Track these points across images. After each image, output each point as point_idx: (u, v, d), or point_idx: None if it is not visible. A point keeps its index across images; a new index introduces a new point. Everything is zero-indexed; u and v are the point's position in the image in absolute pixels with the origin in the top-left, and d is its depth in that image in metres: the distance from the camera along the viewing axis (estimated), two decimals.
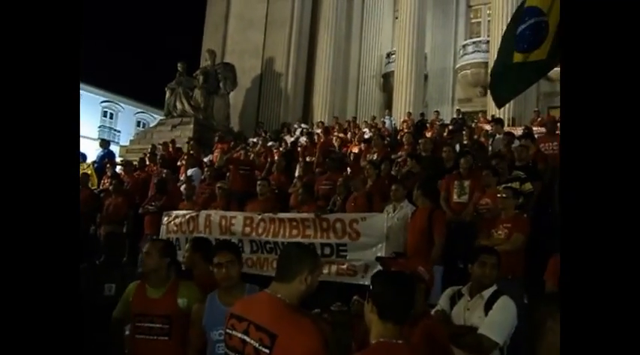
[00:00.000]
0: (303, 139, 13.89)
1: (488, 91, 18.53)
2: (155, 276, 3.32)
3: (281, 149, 12.48)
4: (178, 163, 11.32)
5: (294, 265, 2.18)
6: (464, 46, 22.45)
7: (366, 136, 12.47)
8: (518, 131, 11.01)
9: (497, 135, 8.98)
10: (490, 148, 8.91)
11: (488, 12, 21.80)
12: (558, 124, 11.06)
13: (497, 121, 10.13)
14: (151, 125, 24.48)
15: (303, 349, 1.96)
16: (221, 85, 18.96)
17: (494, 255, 3.38)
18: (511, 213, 5.14)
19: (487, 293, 3.21)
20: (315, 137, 13.59)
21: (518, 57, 5.27)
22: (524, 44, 5.23)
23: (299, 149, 12.08)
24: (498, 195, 5.34)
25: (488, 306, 3.14)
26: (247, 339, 2.09)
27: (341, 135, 13.99)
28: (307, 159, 10.42)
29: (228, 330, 2.22)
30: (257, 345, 2.04)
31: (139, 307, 3.26)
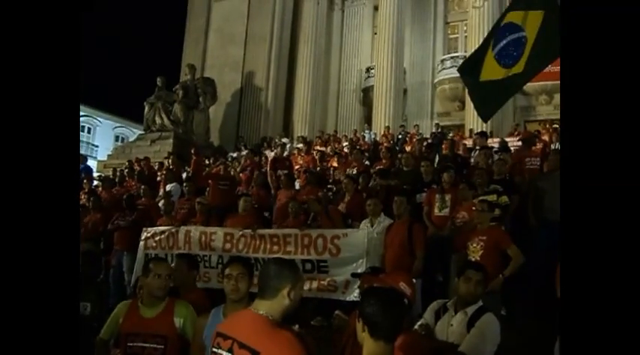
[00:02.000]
0: (269, 152, 13.80)
1: (466, 105, 18.91)
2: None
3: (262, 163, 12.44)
4: (158, 178, 11.21)
5: (275, 281, 2.17)
6: (442, 61, 22.80)
7: (346, 150, 12.51)
8: (495, 143, 11.19)
9: (478, 149, 9.09)
10: (472, 161, 8.99)
11: (465, 28, 22.24)
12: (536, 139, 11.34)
13: (482, 135, 10.26)
14: (130, 140, 24.24)
15: None
16: (201, 99, 18.90)
17: (481, 271, 3.36)
18: (486, 225, 5.17)
19: (471, 309, 3.17)
20: (296, 151, 13.60)
21: (502, 72, 5.40)
22: (510, 60, 5.37)
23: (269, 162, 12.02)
24: (474, 208, 5.38)
25: (471, 323, 3.10)
26: None
27: (321, 148, 14.03)
28: (278, 172, 10.39)
29: (214, 349, 2.21)
30: None
31: (131, 326, 3.17)
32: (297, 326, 3.69)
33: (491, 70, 5.45)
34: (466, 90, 17.85)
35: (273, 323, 2.10)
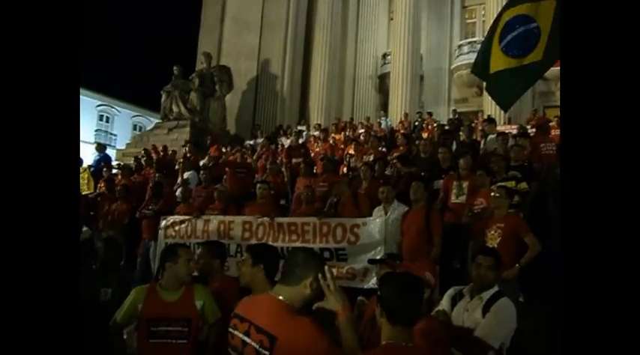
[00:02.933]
0: (285, 140, 13.79)
1: (484, 91, 18.67)
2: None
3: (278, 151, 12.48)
4: (176, 167, 11.31)
5: (300, 269, 2.17)
6: (459, 47, 22.51)
7: (362, 138, 12.48)
8: (513, 130, 11.05)
9: (490, 135, 8.99)
10: (482, 147, 8.91)
11: (482, 12, 21.90)
12: (551, 124, 11.20)
13: (490, 121, 10.14)
14: (148, 128, 24.44)
15: (303, 351, 1.95)
16: (217, 87, 18.93)
17: (491, 256, 3.35)
18: (504, 212, 5.12)
19: (487, 294, 3.18)
20: (312, 139, 13.60)
21: (512, 62, 5.39)
22: (520, 51, 5.36)
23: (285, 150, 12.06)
24: (492, 194, 5.33)
25: (486, 308, 3.10)
26: (248, 340, 2.09)
27: (337, 136, 14.01)
28: (293, 160, 10.41)
29: (230, 329, 2.22)
30: (257, 347, 2.04)
31: (153, 311, 3.22)
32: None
33: (500, 62, 5.45)
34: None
35: (291, 310, 2.10)
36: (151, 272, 7.41)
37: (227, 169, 9.35)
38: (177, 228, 7.18)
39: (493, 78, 5.64)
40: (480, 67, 5.81)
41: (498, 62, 5.47)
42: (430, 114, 17.87)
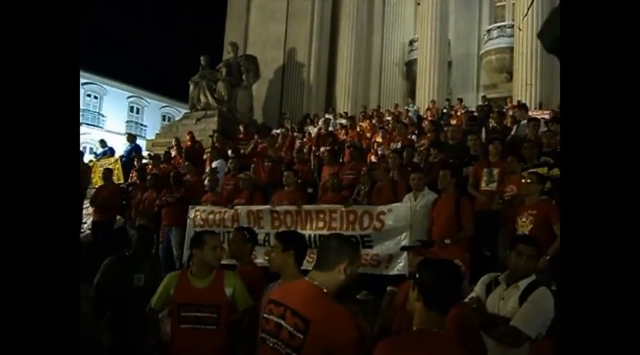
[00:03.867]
0: (313, 129, 13.77)
1: (514, 76, 18.28)
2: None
3: (304, 140, 12.50)
4: (204, 156, 11.43)
5: (334, 255, 2.21)
6: (488, 31, 22.08)
7: (389, 125, 12.39)
8: (545, 115, 10.81)
9: (522, 121, 8.81)
10: (512, 133, 8.74)
11: None
12: None
13: (522, 107, 9.94)
14: (176, 119, 24.77)
15: (336, 336, 1.99)
16: (244, 77, 19.00)
17: (533, 245, 3.25)
18: (536, 199, 4.99)
19: (523, 283, 3.09)
20: (339, 126, 13.55)
21: None
22: None
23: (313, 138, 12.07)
24: (523, 181, 5.22)
25: (523, 297, 3.03)
26: (283, 323, 2.13)
27: (364, 124, 13.94)
28: (321, 148, 10.41)
29: (265, 315, 2.27)
30: (292, 330, 2.08)
31: (184, 297, 3.29)
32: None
33: None
34: (514, 61, 17.30)
35: (326, 295, 2.14)
36: (173, 259, 7.55)
37: (255, 159, 9.42)
38: (206, 217, 7.27)
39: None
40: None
41: None
42: (460, 100, 17.62)
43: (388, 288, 3.87)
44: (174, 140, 13.38)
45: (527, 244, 3.26)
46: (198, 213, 7.38)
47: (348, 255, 2.21)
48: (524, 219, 4.86)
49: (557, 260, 4.71)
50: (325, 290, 2.15)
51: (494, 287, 3.24)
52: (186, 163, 9.73)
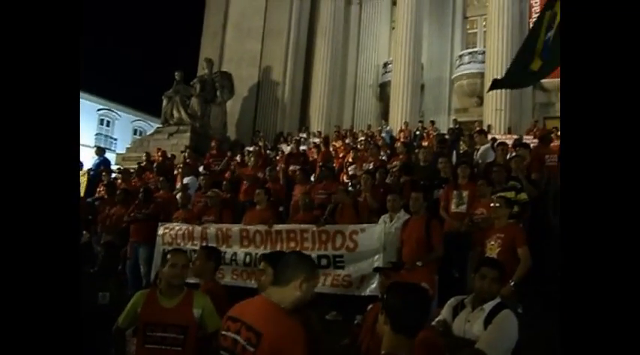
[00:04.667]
0: (286, 147, 13.84)
1: (484, 101, 18.72)
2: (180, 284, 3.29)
3: (277, 158, 12.50)
4: (175, 172, 11.31)
5: (290, 271, 2.24)
6: (460, 57, 22.58)
7: (361, 146, 12.50)
8: (509, 140, 11.06)
9: (483, 146, 9.01)
10: (475, 158, 8.91)
11: (484, 23, 22.00)
12: (553, 135, 11.23)
13: (481, 132, 10.16)
14: (148, 133, 24.47)
15: (286, 349, 2.02)
16: (218, 93, 18.98)
17: (496, 268, 3.32)
18: (504, 222, 5.09)
19: (489, 306, 3.14)
20: (312, 146, 13.60)
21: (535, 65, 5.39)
22: (546, 54, 5.34)
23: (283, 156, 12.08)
24: (491, 205, 5.32)
25: (488, 320, 3.07)
26: (238, 338, 2.16)
27: (337, 143, 14.03)
28: (291, 167, 10.44)
29: (223, 332, 2.29)
30: (245, 344, 2.11)
31: (151, 316, 3.21)
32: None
33: (535, 64, 5.43)
34: (484, 86, 17.65)
35: (280, 310, 2.17)
36: (140, 276, 7.40)
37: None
38: (175, 234, 7.17)
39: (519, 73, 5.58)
40: (520, 71, 5.72)
41: (535, 64, 5.44)
42: (433, 123, 17.92)
43: (369, 307, 3.86)
44: (144, 155, 13.21)
45: (490, 267, 3.32)
46: (167, 231, 7.28)
47: (304, 271, 2.24)
48: (492, 243, 4.93)
49: (522, 285, 4.80)
50: (280, 306, 2.18)
51: (461, 310, 3.28)
52: (160, 179, 9.61)
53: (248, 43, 23.33)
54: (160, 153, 13.74)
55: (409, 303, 2.08)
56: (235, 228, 6.75)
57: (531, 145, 9.11)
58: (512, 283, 4.53)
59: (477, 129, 13.21)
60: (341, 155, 12.33)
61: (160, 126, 18.92)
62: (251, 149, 15.07)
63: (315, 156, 12.24)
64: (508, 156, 7.66)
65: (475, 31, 23.52)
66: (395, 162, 9.12)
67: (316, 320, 2.62)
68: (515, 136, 13.79)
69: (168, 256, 3.35)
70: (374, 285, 5.45)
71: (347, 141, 14.85)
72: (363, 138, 15.05)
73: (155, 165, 11.87)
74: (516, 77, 5.62)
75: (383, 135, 16.68)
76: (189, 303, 3.25)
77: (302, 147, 14.54)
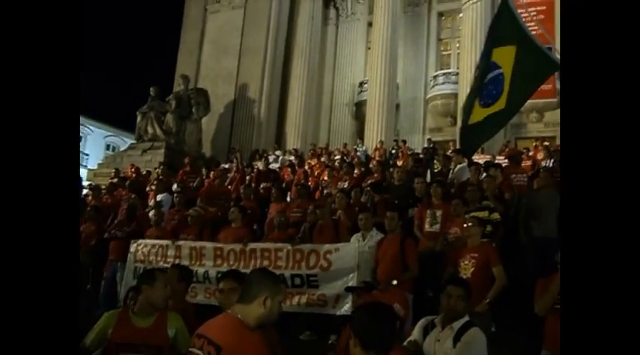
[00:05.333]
0: (261, 164, 13.81)
1: (458, 121, 19.05)
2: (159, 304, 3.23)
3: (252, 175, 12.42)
4: (147, 189, 11.14)
5: (255, 288, 2.28)
6: (434, 77, 23.00)
7: (336, 164, 12.54)
8: (482, 160, 11.25)
9: (459, 165, 9.14)
10: (450, 176, 9.04)
11: (457, 45, 22.49)
12: (522, 156, 11.48)
13: (457, 152, 10.32)
14: (121, 149, 24.16)
15: None
16: (194, 110, 18.89)
17: (461, 286, 3.38)
18: (477, 241, 5.15)
19: (457, 324, 3.20)
20: (287, 163, 13.60)
21: (484, 113, 5.56)
22: (490, 99, 5.51)
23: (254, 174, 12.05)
24: (464, 225, 5.38)
25: (457, 338, 3.12)
26: (200, 353, 2.21)
27: (312, 161, 14.05)
28: (261, 185, 10.42)
29: (190, 349, 2.32)
30: None
31: (123, 337, 3.12)
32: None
33: (477, 113, 5.62)
34: (458, 107, 18.08)
35: (243, 325, 2.20)
36: (116, 295, 7.21)
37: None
38: (147, 251, 7.04)
39: (467, 129, 5.81)
40: (465, 114, 5.99)
41: (476, 114, 5.63)
42: (404, 142, 18.11)
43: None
44: (113, 171, 13.02)
45: (455, 285, 3.39)
46: (139, 248, 7.14)
47: (268, 288, 2.27)
48: (466, 262, 4.97)
49: (494, 303, 4.84)
50: (244, 322, 2.21)
51: (431, 330, 3.32)
52: (132, 196, 9.45)
53: (225, 61, 23.35)
54: (133, 170, 13.56)
55: (375, 319, 2.12)
56: (210, 245, 6.66)
57: (503, 165, 9.29)
58: (487, 301, 4.58)
59: (453, 148, 13.41)
60: (316, 173, 12.34)
61: (134, 142, 18.72)
62: (227, 166, 15.00)
63: (291, 175, 12.23)
64: (481, 176, 7.78)
65: (449, 52, 24.06)
66: (370, 181, 9.16)
67: (277, 338, 2.65)
68: (487, 156, 14.02)
69: (157, 276, 3.29)
70: (348, 305, 5.42)
71: (322, 159, 14.87)
72: (338, 156, 15.10)
73: (128, 181, 11.68)
74: (475, 133, 5.83)
75: (358, 153, 16.78)
76: (164, 323, 3.20)
77: (275, 165, 14.52)
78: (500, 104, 5.41)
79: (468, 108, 5.76)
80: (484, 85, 5.45)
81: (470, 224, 5.20)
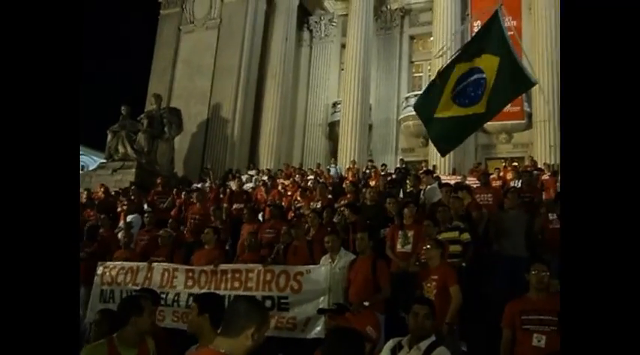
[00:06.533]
0: (234, 184, 13.76)
1: (429, 142, 19.33)
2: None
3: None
4: (118, 209, 10.95)
5: (242, 320, 2.11)
6: (406, 99, 23.35)
7: (310, 184, 12.54)
8: (453, 181, 11.43)
9: (429, 186, 9.26)
10: (421, 197, 9.13)
11: (429, 68, 22.94)
12: (491, 177, 11.71)
13: (427, 172, 10.46)
14: (91, 168, 23.70)
15: None
16: (166, 129, 18.71)
17: (427, 304, 3.43)
18: (437, 262, 5.19)
19: (424, 344, 3.23)
20: (260, 183, 13.56)
21: (459, 111, 5.72)
22: (467, 99, 5.68)
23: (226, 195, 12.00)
24: (424, 247, 5.45)
25: None
26: None
27: (286, 182, 14.03)
28: (234, 205, 10.36)
29: None
30: None
31: None
32: None
33: (447, 108, 5.78)
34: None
35: None
36: (79, 317, 6.99)
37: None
38: (116, 274, 6.88)
39: (438, 122, 5.94)
40: (422, 106, 6.12)
41: (445, 108, 5.78)
42: (371, 160, 18.30)
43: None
44: (85, 191, 12.75)
45: (421, 304, 3.46)
46: (107, 270, 6.98)
47: (256, 320, 2.12)
48: (429, 284, 5.04)
49: (465, 322, 4.88)
50: None
51: (399, 351, 3.34)
52: (102, 216, 9.27)
53: (198, 80, 23.30)
54: (102, 189, 13.32)
55: (342, 348, 2.11)
56: (182, 267, 6.56)
57: (475, 185, 9.44)
58: (446, 322, 4.62)
59: (424, 169, 13.58)
60: (289, 193, 12.31)
61: (104, 161, 18.40)
62: (199, 186, 14.85)
63: (265, 195, 12.18)
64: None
65: (420, 74, 24.53)
66: (343, 202, 9.18)
67: None
68: (459, 177, 14.23)
69: (144, 304, 3.23)
70: (319, 328, 5.37)
71: (296, 178, 14.86)
72: (312, 176, 15.12)
73: (97, 201, 11.47)
74: (450, 130, 5.98)
75: (331, 173, 16.82)
76: (147, 349, 3.21)
77: (248, 185, 14.46)
78: (481, 108, 5.60)
79: (434, 101, 5.92)
80: (464, 86, 5.63)
81: (428, 246, 5.27)
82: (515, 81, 5.42)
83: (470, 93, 5.72)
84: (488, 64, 5.58)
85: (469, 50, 6.02)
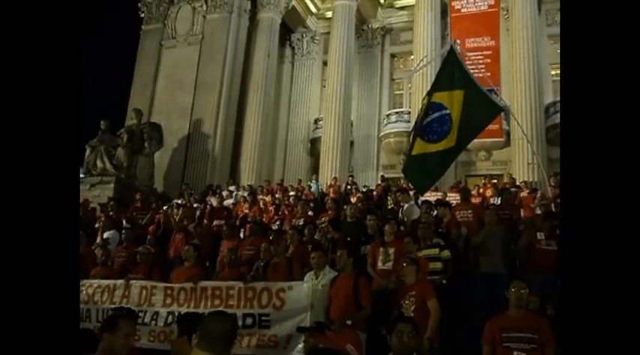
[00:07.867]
0: (214, 200, 13.68)
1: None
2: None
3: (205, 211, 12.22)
4: (96, 225, 10.77)
5: (231, 337, 2.19)
6: (387, 116, 23.57)
7: (291, 201, 12.52)
8: (434, 198, 11.52)
9: (407, 204, 9.32)
10: (400, 215, 9.19)
11: (410, 85, 23.21)
12: (472, 192, 11.83)
13: (403, 191, 10.53)
14: None
15: None
16: (146, 144, 18.54)
17: (410, 322, 3.45)
18: (413, 279, 5.23)
19: None
20: (241, 200, 13.49)
21: (429, 147, 5.99)
22: (435, 136, 5.94)
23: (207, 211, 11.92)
24: (399, 265, 5.50)
25: None
26: None
27: (266, 198, 13.98)
28: (215, 222, 10.29)
29: None
30: None
31: None
32: None
33: (418, 146, 6.01)
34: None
35: None
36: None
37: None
38: (92, 292, 6.74)
39: (412, 160, 6.16)
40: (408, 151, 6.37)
41: (417, 146, 6.03)
42: (352, 176, 18.35)
43: None
44: None
45: (405, 322, 3.47)
46: (83, 288, 6.82)
47: (229, 330, 2.21)
48: (407, 302, 5.06)
49: (447, 339, 4.89)
50: None
51: None
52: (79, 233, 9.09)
53: (179, 95, 23.20)
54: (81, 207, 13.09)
55: None
56: (161, 285, 6.45)
57: (454, 202, 9.52)
58: (426, 337, 4.64)
59: (402, 186, 13.66)
60: (270, 210, 12.26)
61: (82, 176, 18.12)
62: (179, 201, 14.69)
63: (246, 211, 12.11)
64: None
65: (401, 92, 24.86)
66: (324, 218, 9.17)
67: None
68: (439, 194, 14.32)
69: (120, 324, 3.10)
70: (301, 345, 5.32)
71: (277, 195, 14.81)
72: (292, 193, 15.09)
73: None
74: (425, 167, 6.19)
75: (312, 189, 16.81)
76: None
77: (229, 201, 14.36)
78: (450, 142, 5.79)
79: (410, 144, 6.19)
80: (428, 123, 5.85)
81: (404, 264, 5.32)
82: (484, 109, 5.72)
83: (436, 129, 5.95)
84: (450, 99, 5.84)
85: (436, 86, 6.28)
